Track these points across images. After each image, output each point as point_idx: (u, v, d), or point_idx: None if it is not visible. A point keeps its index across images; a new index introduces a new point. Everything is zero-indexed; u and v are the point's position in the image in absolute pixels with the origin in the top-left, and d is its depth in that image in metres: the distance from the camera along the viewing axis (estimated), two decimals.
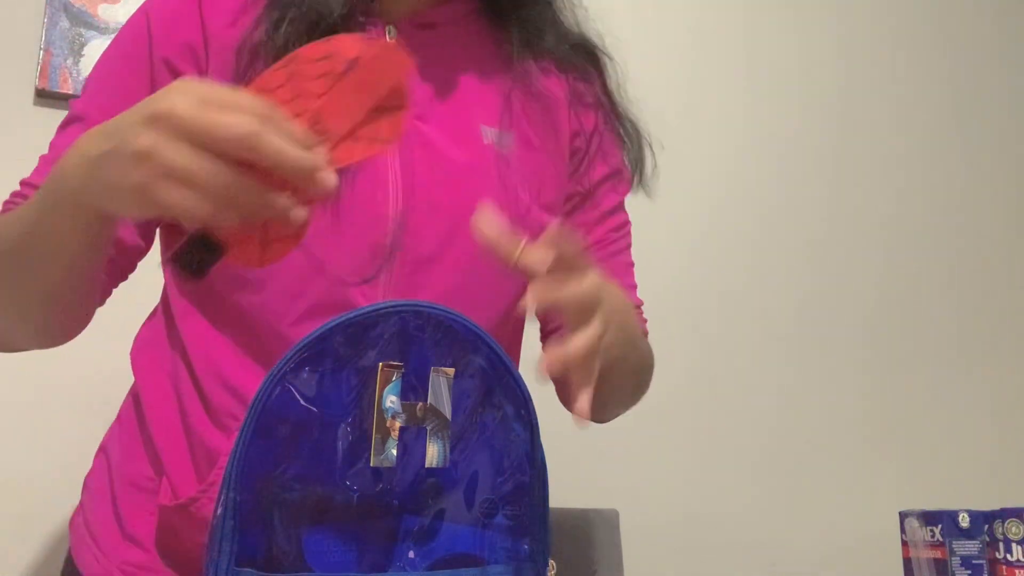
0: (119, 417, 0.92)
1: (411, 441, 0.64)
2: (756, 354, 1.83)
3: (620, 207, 1.00)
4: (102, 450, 0.92)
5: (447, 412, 0.65)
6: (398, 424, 0.63)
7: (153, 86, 0.83)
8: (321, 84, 0.57)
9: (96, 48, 1.48)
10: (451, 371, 0.65)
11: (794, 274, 1.88)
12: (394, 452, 0.63)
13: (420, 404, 0.64)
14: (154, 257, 0.92)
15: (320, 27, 0.80)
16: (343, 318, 0.63)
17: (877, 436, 1.86)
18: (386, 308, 0.64)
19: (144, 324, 0.94)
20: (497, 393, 0.67)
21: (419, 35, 0.88)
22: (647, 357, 0.98)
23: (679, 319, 1.77)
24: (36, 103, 1.45)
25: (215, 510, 0.63)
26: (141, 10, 0.88)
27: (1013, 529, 1.09)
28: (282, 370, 0.62)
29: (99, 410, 1.03)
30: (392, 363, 0.63)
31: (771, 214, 1.90)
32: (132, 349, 0.92)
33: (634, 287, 1.03)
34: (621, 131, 0.95)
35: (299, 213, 0.57)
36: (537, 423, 0.69)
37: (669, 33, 1.89)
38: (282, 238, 0.59)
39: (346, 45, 0.58)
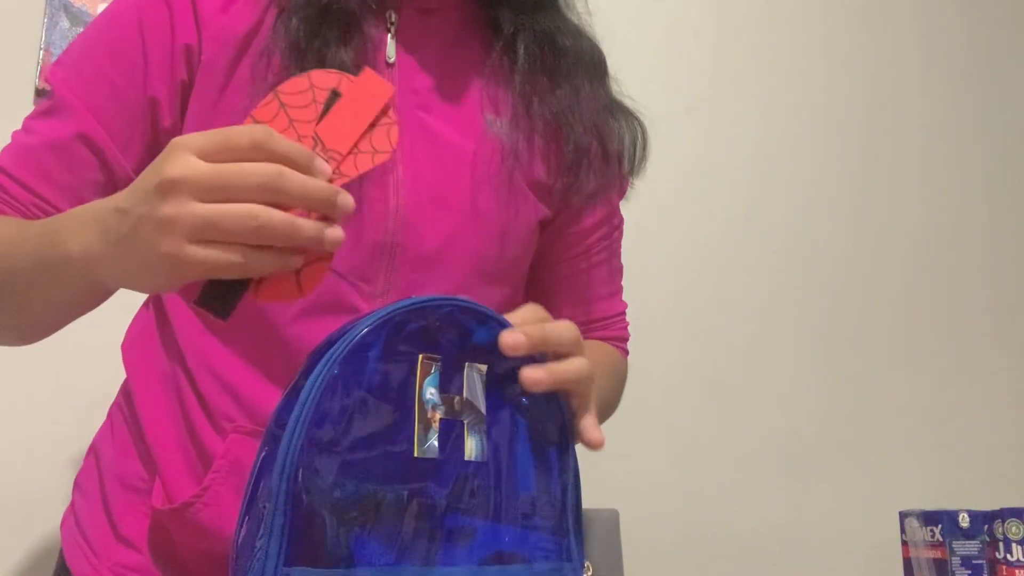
0: (110, 415, 0.91)
1: (450, 435, 0.64)
2: (756, 354, 1.82)
3: (612, 213, 0.99)
4: (92, 450, 0.91)
5: (481, 407, 0.65)
6: (438, 416, 0.63)
7: (151, 100, 0.82)
8: (311, 111, 0.61)
9: None
10: (484, 367, 0.65)
11: (794, 274, 1.88)
12: (436, 444, 0.62)
13: (457, 397, 0.64)
14: None
15: (333, 13, 0.80)
16: (392, 308, 0.63)
17: (877, 436, 1.86)
18: (434, 301, 0.64)
19: (136, 316, 0.93)
20: (538, 396, 0.67)
21: (420, 20, 0.87)
22: (618, 392, 1.01)
23: (678, 320, 1.77)
24: (36, 103, 1.45)
25: (258, 507, 0.61)
26: (131, 7, 0.84)
27: (1013, 529, 1.09)
28: (335, 356, 0.61)
29: (90, 408, 1.03)
30: (431, 355, 0.63)
31: (770, 213, 1.90)
32: (123, 343, 0.91)
33: (618, 292, 1.03)
34: (618, 127, 0.93)
35: (334, 233, 0.59)
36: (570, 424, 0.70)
37: (677, 30, 1.89)
38: (313, 262, 0.61)
39: (322, 78, 0.62)
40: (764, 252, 1.87)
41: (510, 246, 0.90)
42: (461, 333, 0.65)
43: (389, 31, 0.85)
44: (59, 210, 0.80)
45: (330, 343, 0.63)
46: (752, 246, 1.87)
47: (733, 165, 1.89)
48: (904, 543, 1.16)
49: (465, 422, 0.64)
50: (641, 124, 0.95)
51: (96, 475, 0.88)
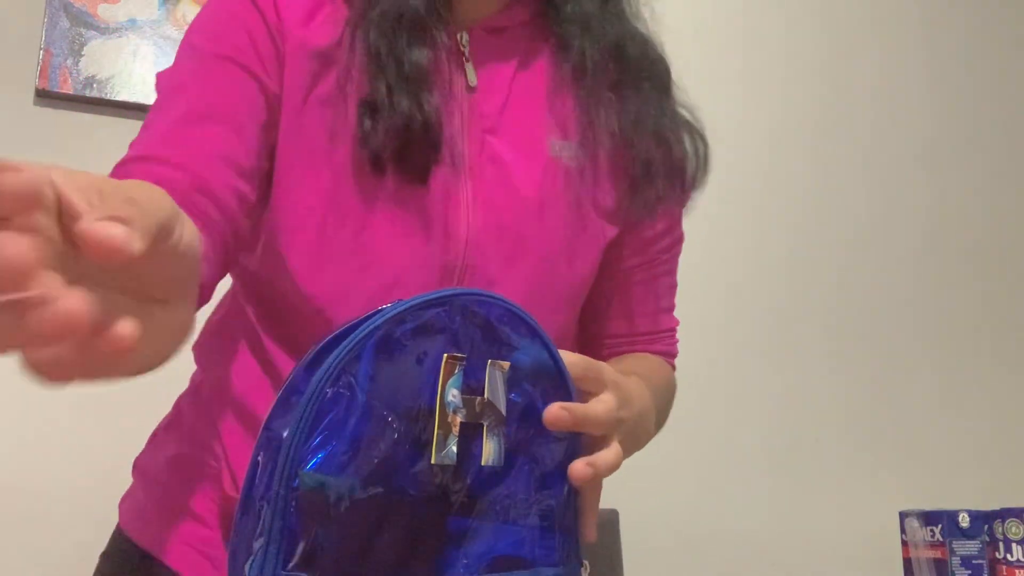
0: (177, 405, 0.92)
1: (469, 439, 0.60)
2: (756, 354, 1.83)
3: (672, 226, 0.99)
4: (155, 436, 0.92)
5: (502, 408, 0.61)
6: (459, 420, 0.59)
7: (275, 96, 0.81)
8: None
9: (96, 48, 1.48)
10: (507, 365, 0.62)
11: (796, 274, 1.88)
12: (455, 449, 0.59)
13: (479, 399, 0.60)
14: None
15: (406, 21, 0.81)
16: (403, 305, 0.59)
17: (877, 436, 1.86)
18: (449, 295, 0.61)
19: (212, 316, 0.94)
20: (550, 392, 0.64)
21: (489, 40, 0.88)
22: (667, 410, 0.99)
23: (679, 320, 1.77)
24: (36, 103, 1.45)
25: (255, 506, 0.60)
26: (229, 14, 0.83)
27: (1013, 529, 1.09)
28: (342, 359, 0.57)
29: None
30: (456, 355, 0.59)
31: (770, 215, 1.90)
32: (196, 342, 0.92)
33: (671, 308, 1.03)
34: (681, 140, 0.93)
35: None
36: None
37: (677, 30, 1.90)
38: None
39: None
40: (767, 252, 1.87)
41: (576, 271, 0.90)
42: (490, 333, 0.62)
43: (463, 54, 0.86)
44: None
45: (336, 340, 0.60)
46: (755, 247, 1.87)
47: (737, 165, 1.89)
48: (904, 543, 1.16)
49: (485, 424, 0.60)
50: (704, 138, 0.95)
51: (164, 461, 0.89)
